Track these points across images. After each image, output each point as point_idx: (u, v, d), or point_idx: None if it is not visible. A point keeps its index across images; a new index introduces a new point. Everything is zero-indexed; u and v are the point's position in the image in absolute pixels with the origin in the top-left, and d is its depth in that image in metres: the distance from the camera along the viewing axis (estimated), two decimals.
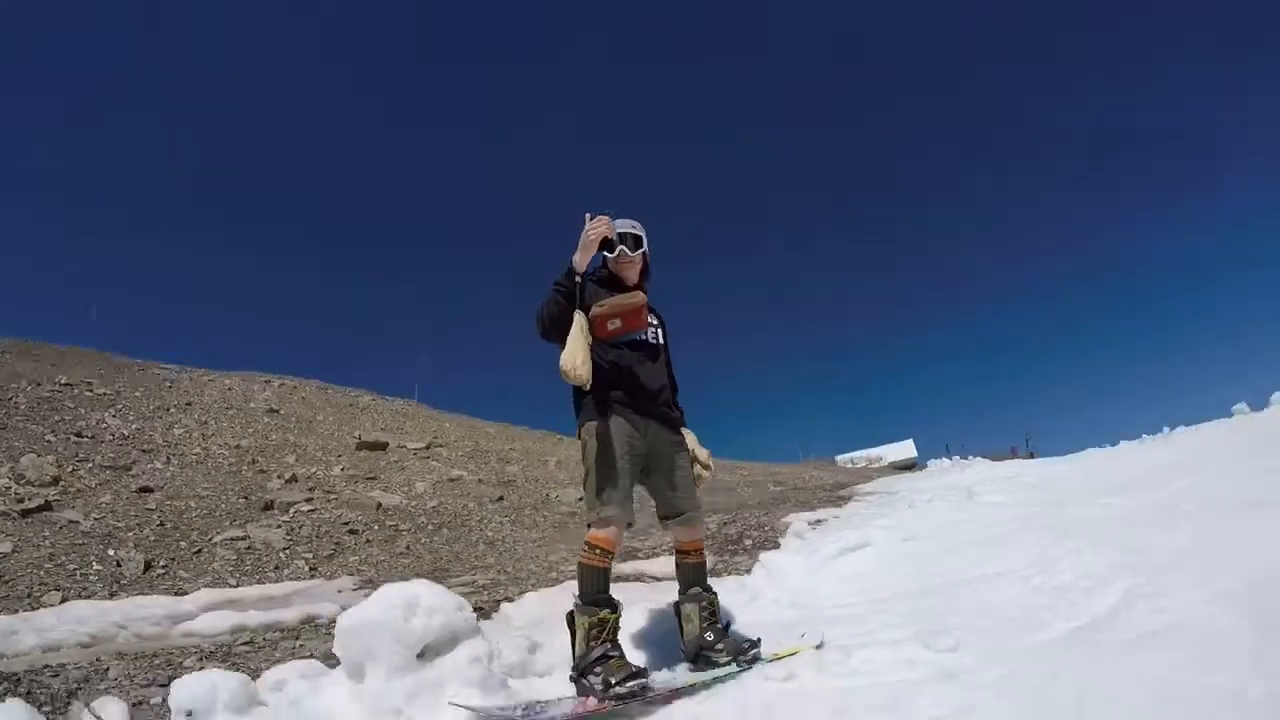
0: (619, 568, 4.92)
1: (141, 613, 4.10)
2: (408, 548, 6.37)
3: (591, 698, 2.36)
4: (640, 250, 2.92)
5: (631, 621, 3.28)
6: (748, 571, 4.52)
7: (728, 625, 2.88)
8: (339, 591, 5.01)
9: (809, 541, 5.11)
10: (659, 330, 2.98)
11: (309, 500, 7.31)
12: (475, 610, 2.64)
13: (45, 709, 2.54)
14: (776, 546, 5.22)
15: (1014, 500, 5.70)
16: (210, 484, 7.37)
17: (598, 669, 2.40)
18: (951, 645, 2.42)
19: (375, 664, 2.18)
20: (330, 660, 2.55)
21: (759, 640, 2.74)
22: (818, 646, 2.69)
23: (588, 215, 2.78)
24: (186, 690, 2.15)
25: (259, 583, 5.12)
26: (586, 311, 2.74)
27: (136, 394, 10.37)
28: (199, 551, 5.64)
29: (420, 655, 2.23)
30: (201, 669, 2.88)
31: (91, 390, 9.86)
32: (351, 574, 5.51)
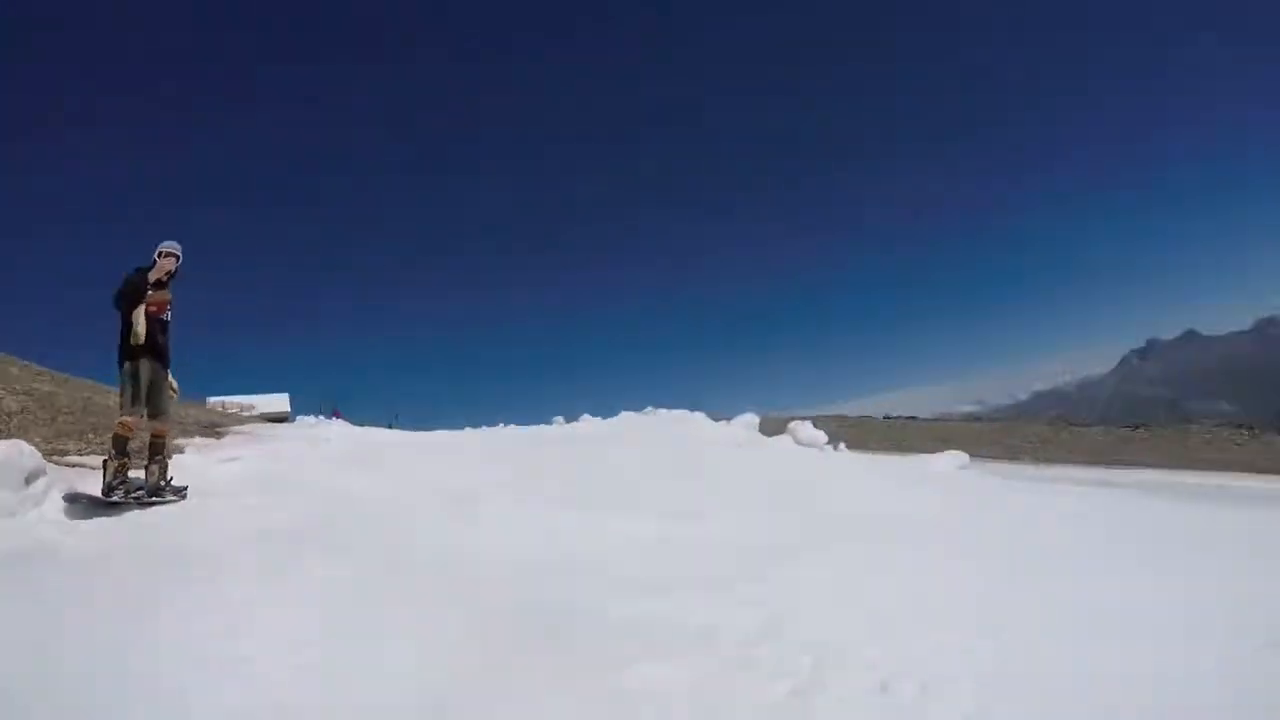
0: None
1: None
2: None
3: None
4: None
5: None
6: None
7: (171, 479, 5.55)
8: None
9: (203, 453, 7.63)
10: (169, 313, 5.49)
11: None
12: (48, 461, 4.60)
13: None
14: (183, 452, 7.51)
15: (346, 443, 9.63)
16: None
17: (117, 485, 4.86)
18: (283, 504, 5.82)
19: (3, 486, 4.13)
20: None
21: (186, 487, 5.57)
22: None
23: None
24: None
25: None
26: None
27: None
28: None
29: (27, 481, 4.25)
30: None
31: None
32: None
